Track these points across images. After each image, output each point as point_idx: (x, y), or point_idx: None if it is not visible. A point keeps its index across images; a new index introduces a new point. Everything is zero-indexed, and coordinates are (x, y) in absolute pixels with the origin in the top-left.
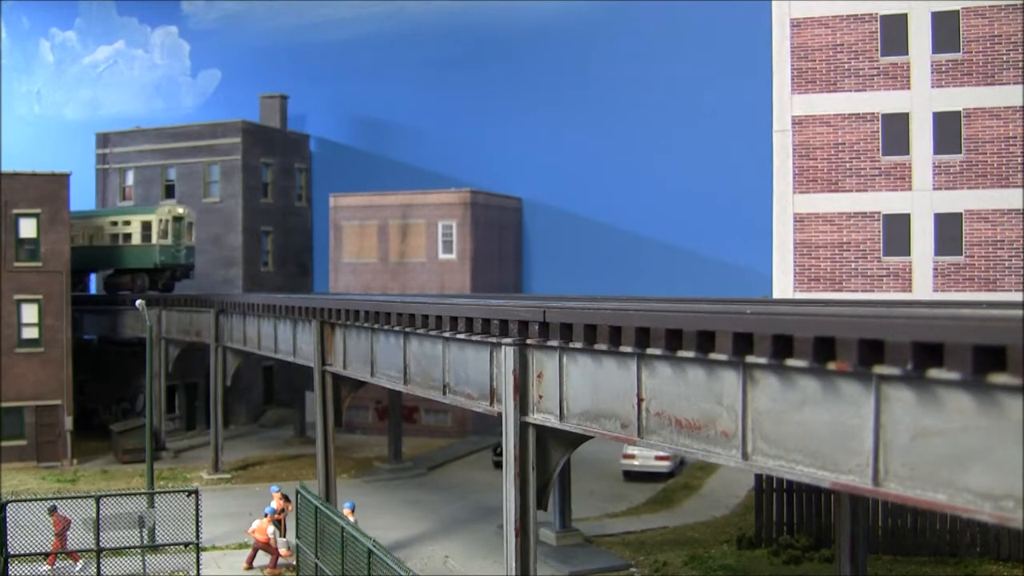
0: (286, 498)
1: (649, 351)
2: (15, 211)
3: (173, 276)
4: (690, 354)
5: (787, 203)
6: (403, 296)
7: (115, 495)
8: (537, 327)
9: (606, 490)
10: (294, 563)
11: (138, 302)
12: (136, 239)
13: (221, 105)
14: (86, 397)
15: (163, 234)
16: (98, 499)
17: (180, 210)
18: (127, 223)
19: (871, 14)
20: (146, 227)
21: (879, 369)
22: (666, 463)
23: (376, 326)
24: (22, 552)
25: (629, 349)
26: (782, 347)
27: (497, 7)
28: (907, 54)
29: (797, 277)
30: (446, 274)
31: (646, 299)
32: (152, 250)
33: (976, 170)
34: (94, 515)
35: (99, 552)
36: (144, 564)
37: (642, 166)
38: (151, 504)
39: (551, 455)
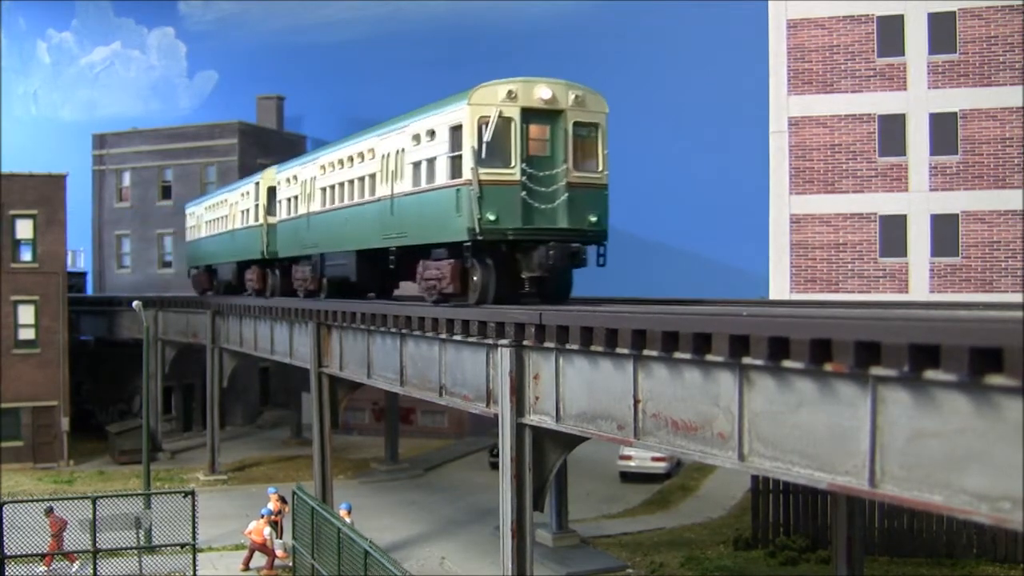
0: (283, 499)
1: (645, 353)
2: (12, 212)
3: (567, 260)
4: (686, 356)
5: (784, 204)
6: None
7: (112, 496)
8: (533, 329)
9: (603, 491)
10: (290, 564)
11: (135, 303)
12: (430, 178)
13: (218, 106)
14: (83, 398)
15: (497, 158)
16: (95, 500)
17: (542, 91)
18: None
19: (867, 15)
20: (454, 142)
21: (876, 371)
22: (663, 464)
23: (373, 328)
24: (19, 553)
25: (625, 351)
26: (778, 349)
27: (493, 8)
28: (903, 55)
29: (794, 278)
30: None
31: (642, 301)
32: (456, 202)
33: (973, 171)
34: (91, 516)
35: (95, 553)
36: (141, 565)
37: (638, 167)
38: (147, 505)
39: (548, 456)
